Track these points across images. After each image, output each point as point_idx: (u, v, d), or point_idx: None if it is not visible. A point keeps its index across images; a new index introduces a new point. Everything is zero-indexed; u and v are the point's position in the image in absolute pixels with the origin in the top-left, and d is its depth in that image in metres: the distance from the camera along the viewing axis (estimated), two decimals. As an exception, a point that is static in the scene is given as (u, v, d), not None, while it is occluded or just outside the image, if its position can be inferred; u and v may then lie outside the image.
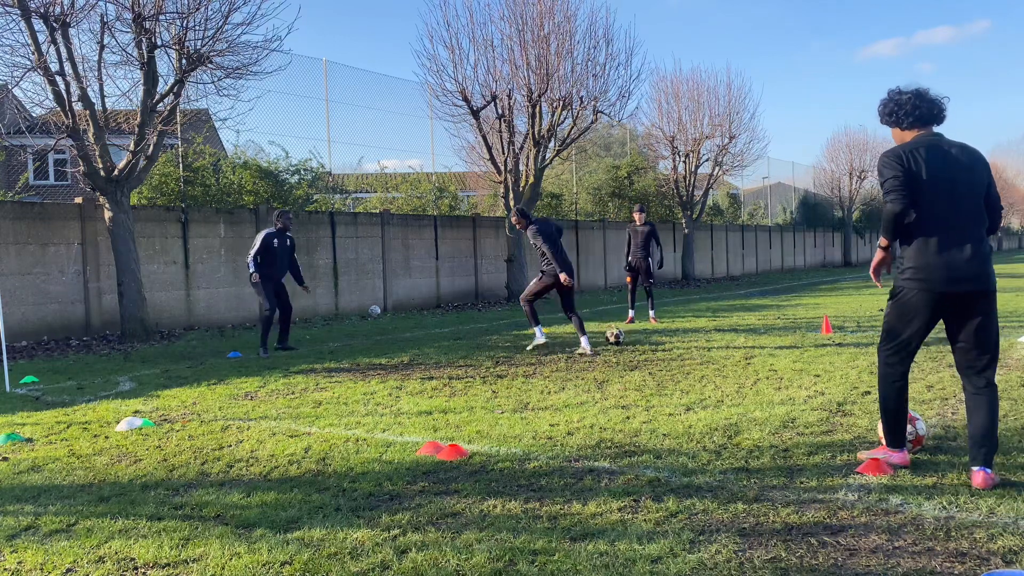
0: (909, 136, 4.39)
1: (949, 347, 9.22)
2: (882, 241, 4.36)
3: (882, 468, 4.40)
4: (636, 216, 13.87)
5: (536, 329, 10.44)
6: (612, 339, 10.79)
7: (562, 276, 9.88)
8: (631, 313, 13.95)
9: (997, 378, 7.25)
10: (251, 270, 10.52)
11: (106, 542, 3.75)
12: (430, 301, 19.94)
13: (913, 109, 4.33)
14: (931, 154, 4.22)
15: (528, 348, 10.44)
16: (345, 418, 6.40)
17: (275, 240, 10.70)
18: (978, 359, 4.31)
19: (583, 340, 9.88)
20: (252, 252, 10.61)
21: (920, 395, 6.56)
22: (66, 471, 5.02)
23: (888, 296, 4.44)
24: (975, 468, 4.15)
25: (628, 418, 6.05)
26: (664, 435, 5.46)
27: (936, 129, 4.42)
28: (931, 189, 4.17)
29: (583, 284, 25.60)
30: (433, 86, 20.15)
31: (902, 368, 4.45)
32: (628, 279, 14.01)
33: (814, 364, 8.45)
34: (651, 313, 14.03)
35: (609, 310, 17.32)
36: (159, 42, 12.39)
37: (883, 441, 4.61)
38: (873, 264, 4.46)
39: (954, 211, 4.20)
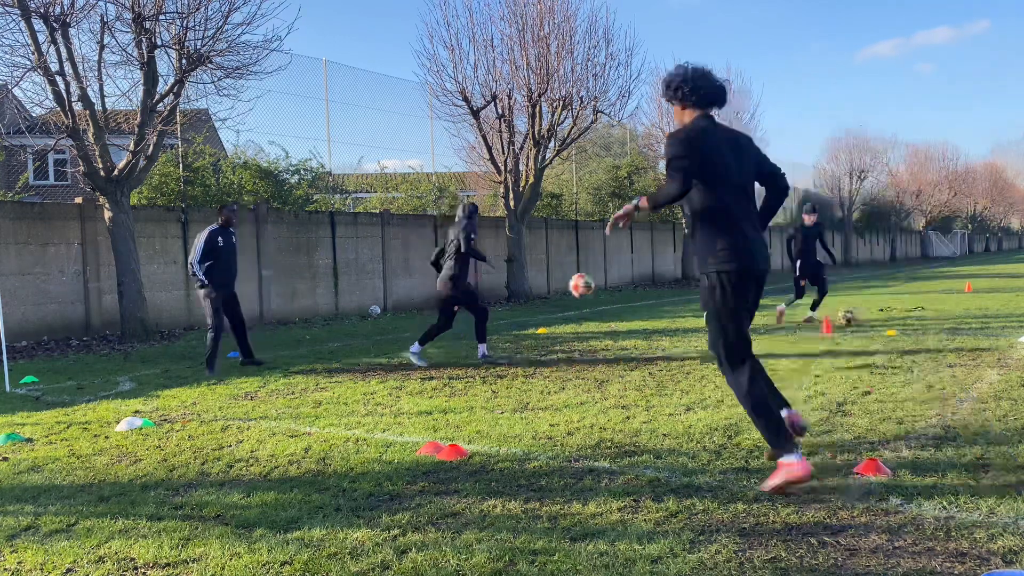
0: (689, 116, 4.35)
1: (948, 348, 9.26)
2: (643, 202, 4.27)
3: (881, 468, 4.40)
4: (807, 218, 12.80)
5: None
6: (844, 322, 10.89)
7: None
8: (782, 307, 12.97)
9: (997, 377, 7.26)
10: (199, 277, 9.04)
11: (106, 542, 3.75)
12: (430, 301, 19.93)
13: (698, 89, 4.29)
14: (716, 137, 4.24)
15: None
16: (345, 418, 6.40)
17: (220, 238, 9.23)
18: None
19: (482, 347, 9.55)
20: (196, 255, 9.07)
21: (920, 395, 6.56)
22: (66, 471, 5.02)
23: (704, 294, 4.29)
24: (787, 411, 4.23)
25: (628, 418, 6.04)
26: (664, 435, 5.46)
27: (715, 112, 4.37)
28: (718, 171, 4.18)
29: (583, 284, 25.59)
30: (433, 86, 20.18)
31: (751, 357, 4.25)
32: (803, 282, 13.00)
33: (814, 364, 8.45)
34: (811, 313, 13.07)
35: (609, 310, 17.32)
36: (159, 42, 12.39)
37: (777, 457, 4.13)
38: (618, 214, 4.35)
39: (739, 192, 4.22)
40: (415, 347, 9.39)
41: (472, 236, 9.28)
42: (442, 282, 9.43)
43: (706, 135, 4.21)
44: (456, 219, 9.55)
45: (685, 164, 4.10)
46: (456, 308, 9.56)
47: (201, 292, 9.17)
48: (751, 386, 4.18)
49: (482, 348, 9.60)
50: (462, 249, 9.24)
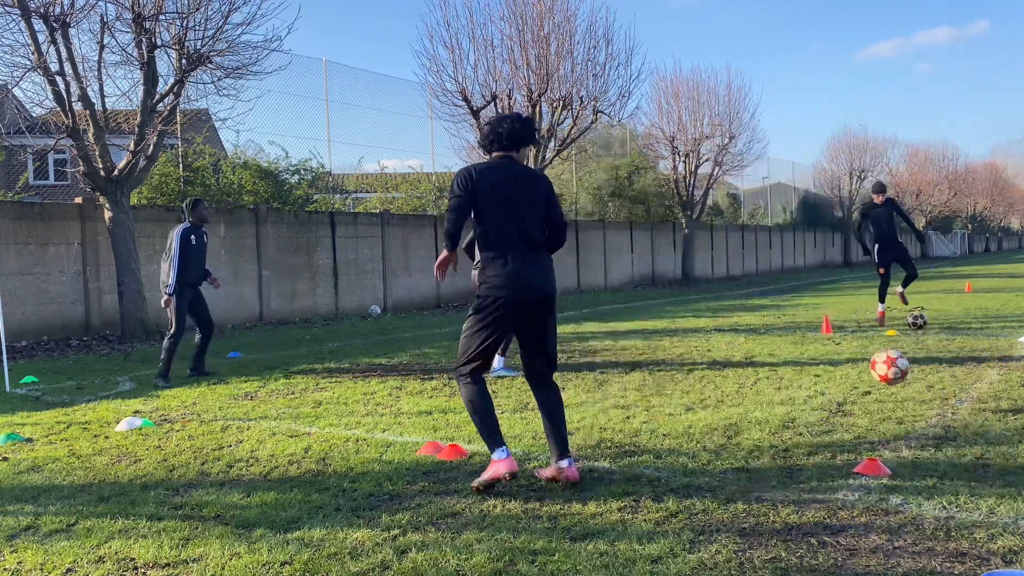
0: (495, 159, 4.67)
1: (948, 347, 9.26)
2: (444, 252, 4.57)
3: (880, 468, 4.40)
4: (876, 198, 11.82)
5: None
6: (913, 322, 10.81)
7: None
8: (881, 307, 12.19)
9: (997, 377, 7.26)
10: (171, 281, 8.37)
11: (106, 542, 3.75)
12: (430, 301, 19.94)
13: (499, 134, 4.59)
14: (498, 173, 4.50)
15: None
16: (345, 418, 6.40)
17: (193, 236, 8.59)
18: (538, 360, 4.60)
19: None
20: (174, 258, 8.38)
21: (920, 395, 6.57)
22: (66, 471, 5.02)
23: (470, 312, 4.57)
24: (563, 463, 4.36)
25: (628, 418, 6.04)
26: (664, 435, 5.46)
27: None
28: (491, 206, 4.48)
29: (583, 284, 25.60)
30: (433, 86, 20.16)
31: (481, 375, 4.58)
32: (882, 270, 11.85)
33: (814, 364, 8.45)
34: (900, 290, 12.25)
35: (609, 310, 17.32)
36: (159, 42, 12.39)
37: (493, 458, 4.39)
38: (438, 263, 4.64)
39: (512, 225, 4.47)
40: (498, 362, 8.27)
41: None
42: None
43: (486, 172, 4.50)
44: None
45: (456, 199, 4.46)
46: None
47: (166, 297, 8.46)
48: (480, 399, 4.51)
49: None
50: None
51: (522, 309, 4.46)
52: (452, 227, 4.44)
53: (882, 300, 12.17)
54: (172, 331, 8.53)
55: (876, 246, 11.82)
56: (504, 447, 4.40)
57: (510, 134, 4.57)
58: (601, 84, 20.74)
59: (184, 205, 8.92)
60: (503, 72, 19.87)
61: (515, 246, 4.46)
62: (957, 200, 65.89)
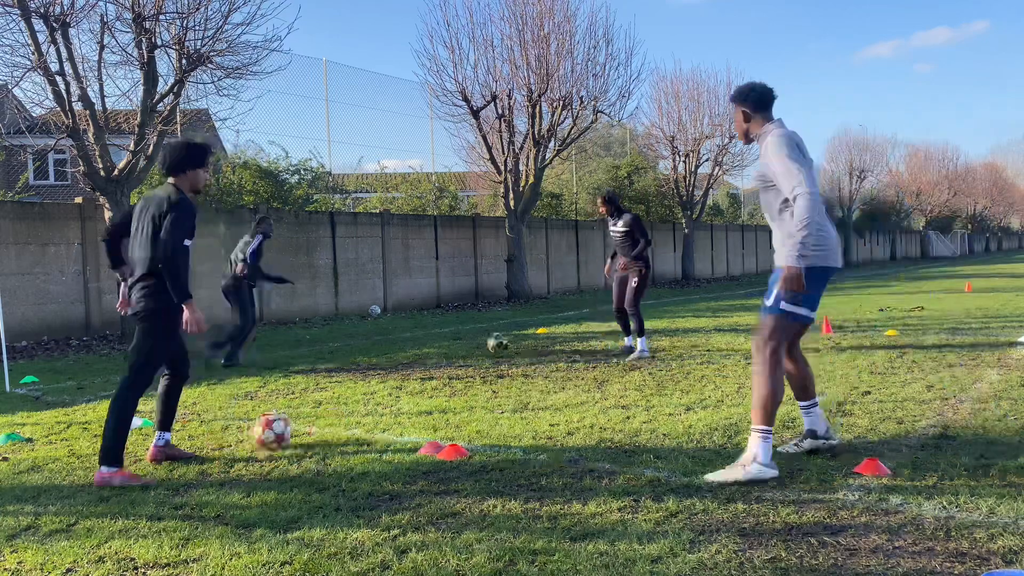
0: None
1: (948, 347, 9.25)
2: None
3: (880, 468, 4.40)
4: None
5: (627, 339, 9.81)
6: None
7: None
8: None
9: (997, 377, 7.26)
10: (247, 273, 9.54)
11: (106, 542, 3.75)
12: (430, 301, 19.94)
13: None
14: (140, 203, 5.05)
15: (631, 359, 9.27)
16: (345, 418, 6.40)
17: (263, 246, 9.84)
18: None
19: (641, 342, 9.31)
20: (251, 256, 9.56)
21: (920, 395, 6.57)
22: (66, 471, 5.02)
23: (149, 321, 4.90)
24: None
25: (628, 418, 6.04)
26: (664, 435, 5.46)
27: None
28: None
29: (583, 284, 25.61)
30: (433, 86, 20.18)
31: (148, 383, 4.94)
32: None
33: (814, 364, 8.43)
34: None
35: (609, 310, 17.30)
36: (159, 42, 12.39)
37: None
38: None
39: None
40: (641, 343, 9.30)
41: None
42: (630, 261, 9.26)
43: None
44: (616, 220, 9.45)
45: None
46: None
47: (250, 287, 9.75)
48: (134, 398, 4.88)
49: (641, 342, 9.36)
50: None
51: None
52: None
53: None
54: (240, 322, 9.59)
55: None
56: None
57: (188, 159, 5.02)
58: (601, 84, 20.76)
59: (261, 218, 10.13)
60: (503, 72, 19.89)
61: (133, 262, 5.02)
62: (957, 200, 65.91)
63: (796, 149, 4.46)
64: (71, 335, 13.10)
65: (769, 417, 4.36)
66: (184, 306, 4.81)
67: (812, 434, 4.80)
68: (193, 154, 4.97)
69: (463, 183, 27.55)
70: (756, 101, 4.65)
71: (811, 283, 4.42)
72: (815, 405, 4.81)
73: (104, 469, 4.67)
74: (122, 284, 5.15)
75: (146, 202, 4.95)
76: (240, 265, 9.59)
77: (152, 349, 4.95)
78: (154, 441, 5.11)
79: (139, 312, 4.90)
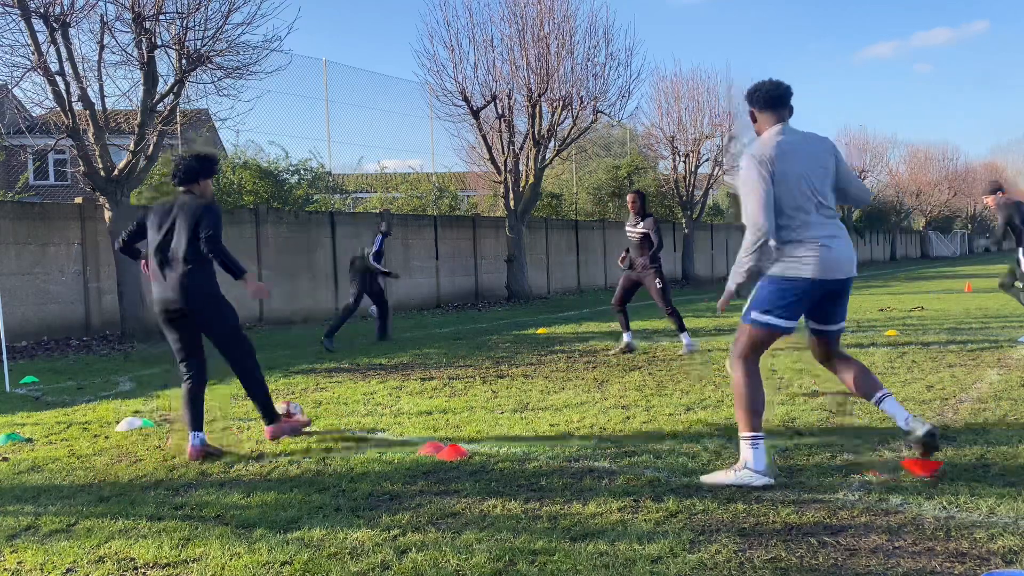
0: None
1: (948, 348, 9.25)
2: None
3: (926, 467, 4.38)
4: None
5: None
6: None
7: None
8: None
9: (997, 377, 7.25)
10: (380, 268, 11.88)
11: (106, 542, 3.75)
12: (430, 301, 19.94)
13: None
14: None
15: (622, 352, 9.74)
16: (345, 418, 6.40)
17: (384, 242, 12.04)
18: None
19: (684, 336, 9.65)
20: (376, 252, 11.87)
21: (920, 395, 6.57)
22: (66, 471, 5.02)
23: (213, 307, 5.37)
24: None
25: (628, 418, 6.04)
26: (664, 435, 5.46)
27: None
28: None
29: (583, 284, 25.61)
30: (433, 86, 20.19)
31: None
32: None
33: (814, 364, 8.43)
34: None
35: (609, 310, 17.30)
36: (159, 42, 12.40)
37: None
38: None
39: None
40: (685, 338, 9.65)
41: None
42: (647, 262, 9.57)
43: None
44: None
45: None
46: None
47: (380, 277, 11.89)
48: (252, 364, 5.50)
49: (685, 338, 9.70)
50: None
51: (176, 315, 5.47)
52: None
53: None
54: (351, 302, 11.59)
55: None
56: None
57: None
58: (601, 84, 20.77)
59: (383, 217, 12.35)
60: (503, 72, 19.89)
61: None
62: (957, 200, 65.89)
63: (758, 173, 4.44)
64: (71, 335, 13.10)
65: (751, 424, 4.33)
66: (245, 279, 5.36)
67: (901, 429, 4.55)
68: (205, 166, 5.43)
69: (463, 183, 27.56)
70: (761, 100, 4.63)
71: (786, 294, 4.41)
72: (884, 399, 4.51)
73: (271, 427, 5.47)
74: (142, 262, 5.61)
75: (169, 208, 5.35)
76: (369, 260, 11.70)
77: (233, 327, 5.46)
78: (190, 441, 5.28)
79: (198, 305, 5.31)
